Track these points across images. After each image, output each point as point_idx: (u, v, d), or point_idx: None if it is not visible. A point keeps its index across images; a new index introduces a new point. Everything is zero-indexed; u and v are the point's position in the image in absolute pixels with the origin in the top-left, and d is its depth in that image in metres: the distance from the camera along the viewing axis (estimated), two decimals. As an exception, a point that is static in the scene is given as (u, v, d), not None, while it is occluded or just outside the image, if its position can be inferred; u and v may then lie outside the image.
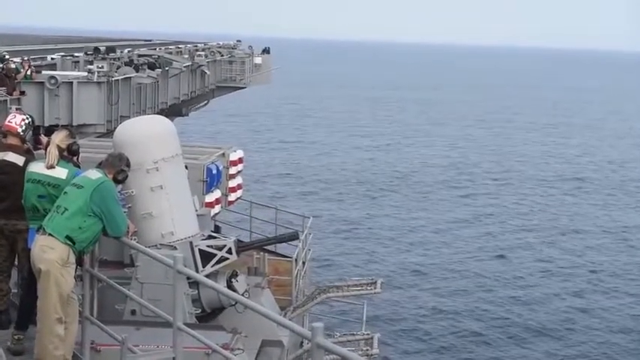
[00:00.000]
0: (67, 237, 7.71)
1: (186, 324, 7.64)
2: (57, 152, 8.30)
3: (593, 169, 61.56)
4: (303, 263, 17.11)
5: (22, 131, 8.93)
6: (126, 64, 23.64)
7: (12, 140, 8.93)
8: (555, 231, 41.49)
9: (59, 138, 8.43)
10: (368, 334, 15.25)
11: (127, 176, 8.39)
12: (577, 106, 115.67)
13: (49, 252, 7.68)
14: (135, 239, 9.56)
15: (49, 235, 7.72)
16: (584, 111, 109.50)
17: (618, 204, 49.12)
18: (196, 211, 11.84)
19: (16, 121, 8.96)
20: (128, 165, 8.38)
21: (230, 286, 11.44)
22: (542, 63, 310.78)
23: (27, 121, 9.01)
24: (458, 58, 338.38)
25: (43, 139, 8.87)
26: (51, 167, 8.24)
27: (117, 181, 8.24)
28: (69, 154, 8.50)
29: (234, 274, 11.84)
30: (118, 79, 21.10)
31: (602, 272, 34.49)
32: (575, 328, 27.91)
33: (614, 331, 27.69)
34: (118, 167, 8.23)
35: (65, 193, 7.93)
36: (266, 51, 42.18)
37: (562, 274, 34.04)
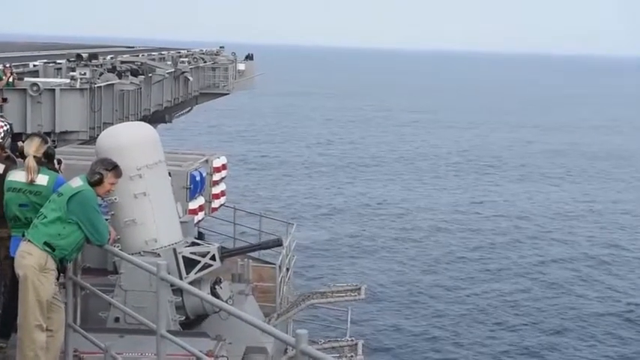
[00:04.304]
0: (46, 243, 7.71)
1: (169, 331, 7.62)
2: (35, 164, 8.20)
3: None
4: (287, 270, 17.10)
5: (1, 138, 8.84)
6: (108, 70, 23.54)
7: (-10, 148, 8.83)
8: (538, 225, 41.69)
9: (33, 148, 8.26)
10: (352, 341, 15.23)
11: (100, 178, 8.03)
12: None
13: (27, 258, 7.71)
14: (118, 246, 9.52)
15: (28, 241, 7.75)
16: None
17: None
18: (180, 218, 11.82)
19: (-6, 128, 8.86)
20: (108, 169, 8.13)
21: (214, 293, 11.41)
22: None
23: (5, 128, 8.90)
24: (447, 63, 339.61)
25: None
26: (32, 181, 8.14)
27: (92, 184, 8.00)
28: (46, 160, 8.40)
29: (218, 281, 11.82)
30: (100, 86, 21.02)
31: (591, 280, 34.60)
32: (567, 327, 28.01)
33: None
34: (93, 170, 8.08)
35: (49, 201, 7.93)
36: (249, 57, 42.22)
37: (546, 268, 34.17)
